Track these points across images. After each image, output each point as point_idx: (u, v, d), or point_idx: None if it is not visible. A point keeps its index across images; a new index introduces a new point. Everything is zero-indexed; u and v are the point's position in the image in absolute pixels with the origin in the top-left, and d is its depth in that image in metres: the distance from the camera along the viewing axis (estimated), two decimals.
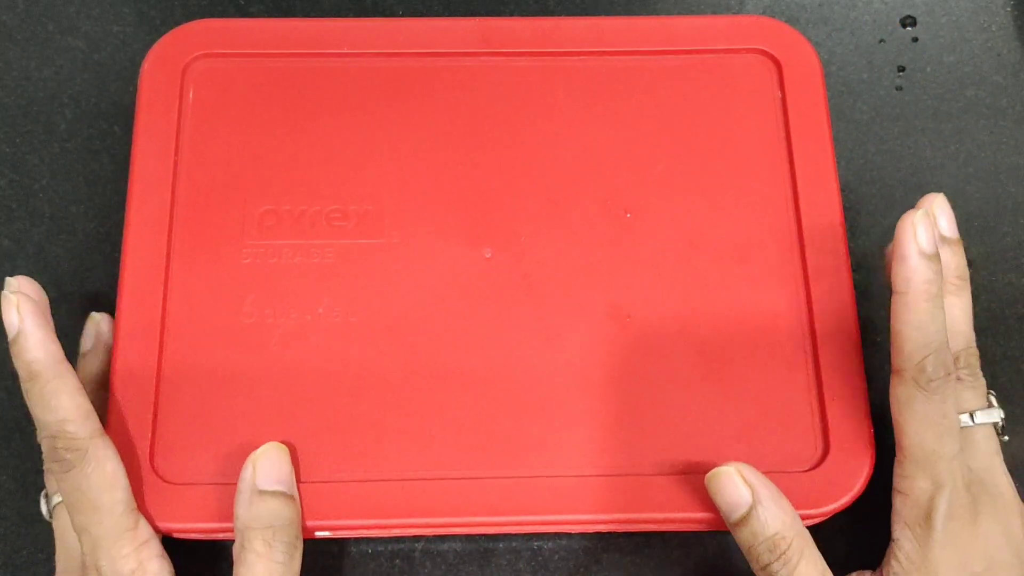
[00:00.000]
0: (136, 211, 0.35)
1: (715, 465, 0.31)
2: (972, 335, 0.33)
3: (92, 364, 0.34)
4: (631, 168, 0.36)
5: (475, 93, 0.37)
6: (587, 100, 0.37)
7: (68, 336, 0.37)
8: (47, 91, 0.41)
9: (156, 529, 0.32)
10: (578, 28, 0.38)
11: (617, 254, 0.35)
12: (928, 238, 0.30)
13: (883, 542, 0.32)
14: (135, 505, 0.31)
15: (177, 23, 0.38)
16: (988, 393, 0.32)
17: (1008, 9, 0.43)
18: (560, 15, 0.43)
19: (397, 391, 0.33)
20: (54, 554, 0.32)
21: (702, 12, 0.44)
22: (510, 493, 0.32)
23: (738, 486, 0.30)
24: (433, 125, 0.37)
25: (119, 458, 0.31)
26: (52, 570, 0.34)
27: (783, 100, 0.37)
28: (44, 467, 0.32)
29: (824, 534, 0.32)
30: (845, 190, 0.40)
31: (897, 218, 0.31)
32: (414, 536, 0.35)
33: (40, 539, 0.35)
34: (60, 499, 0.31)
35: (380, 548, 0.35)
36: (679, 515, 0.32)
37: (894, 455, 0.31)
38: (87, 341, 0.35)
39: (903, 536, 0.31)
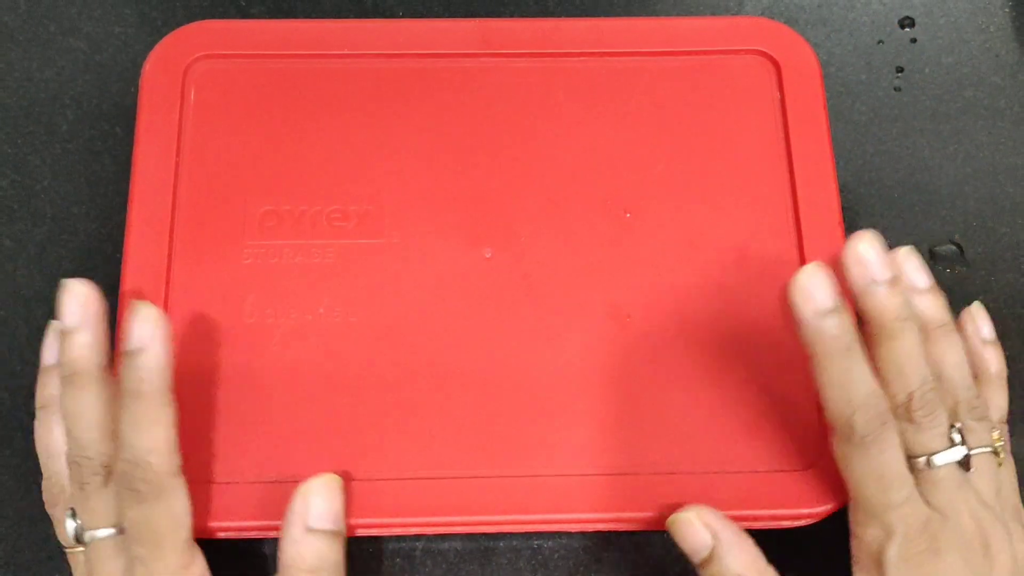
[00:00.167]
0: (137, 212, 0.35)
1: (714, 465, 0.32)
2: (969, 381, 0.32)
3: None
4: (631, 168, 0.37)
5: (475, 94, 0.37)
6: (587, 101, 0.37)
7: None
8: (49, 92, 0.41)
9: None
10: (578, 29, 0.38)
11: (617, 254, 0.35)
12: (824, 294, 0.29)
13: None
14: (193, 539, 0.30)
15: (178, 24, 0.38)
16: (952, 429, 0.30)
17: (1006, 10, 0.44)
18: (560, 16, 0.43)
19: (397, 391, 0.33)
20: (56, 556, 0.32)
21: (701, 13, 0.44)
22: (510, 493, 0.32)
23: (699, 531, 0.30)
24: (433, 126, 0.37)
25: (189, 497, 0.29)
26: (53, 570, 0.34)
27: (782, 101, 0.37)
28: (79, 483, 0.29)
29: (823, 534, 0.32)
30: (844, 190, 0.40)
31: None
32: (414, 535, 0.35)
33: (40, 539, 0.35)
34: (104, 533, 0.29)
35: (380, 547, 0.35)
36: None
37: None
38: (50, 353, 0.33)
39: None
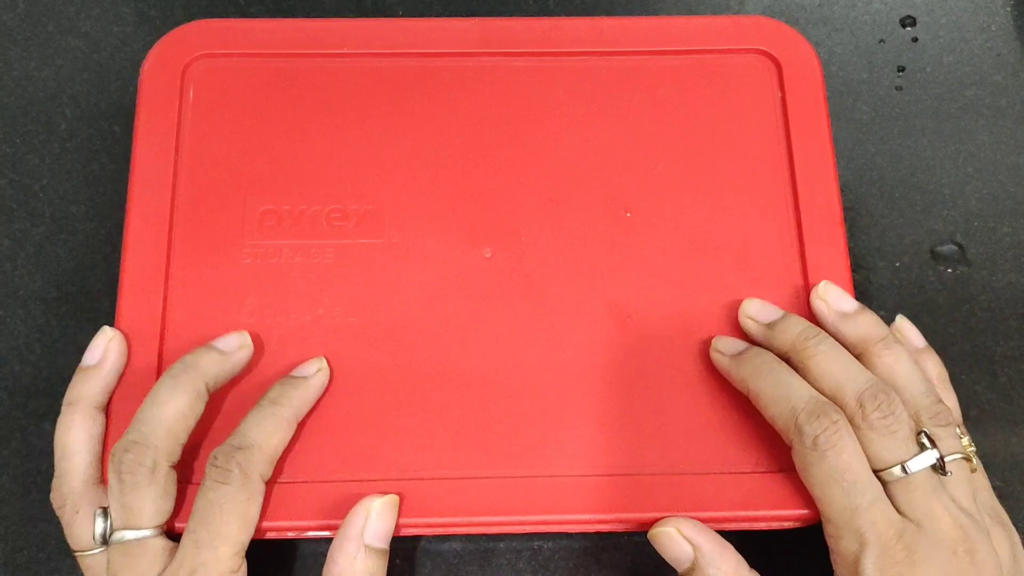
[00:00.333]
0: (136, 211, 0.35)
1: (715, 466, 0.32)
2: (924, 387, 0.32)
3: (93, 382, 0.33)
4: (631, 168, 0.36)
5: (475, 93, 0.37)
6: (587, 100, 0.37)
7: (68, 336, 0.38)
8: (47, 91, 0.41)
9: None
10: (578, 28, 0.38)
11: (617, 254, 0.35)
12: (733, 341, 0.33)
13: None
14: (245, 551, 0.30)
15: (177, 23, 0.38)
16: (919, 434, 0.30)
17: (1008, 9, 0.43)
18: (560, 15, 0.43)
19: (397, 391, 0.33)
20: (56, 556, 0.32)
21: (702, 12, 0.44)
22: (510, 493, 0.32)
23: (679, 544, 0.31)
24: (433, 125, 0.37)
25: (261, 509, 0.30)
26: (53, 570, 0.34)
27: (783, 100, 0.37)
28: (121, 474, 0.29)
29: (821, 534, 0.31)
30: (845, 190, 0.40)
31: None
32: (414, 536, 0.35)
33: (40, 539, 0.35)
34: (125, 535, 0.30)
35: None
36: (679, 515, 0.32)
37: None
38: (93, 355, 0.33)
39: None
